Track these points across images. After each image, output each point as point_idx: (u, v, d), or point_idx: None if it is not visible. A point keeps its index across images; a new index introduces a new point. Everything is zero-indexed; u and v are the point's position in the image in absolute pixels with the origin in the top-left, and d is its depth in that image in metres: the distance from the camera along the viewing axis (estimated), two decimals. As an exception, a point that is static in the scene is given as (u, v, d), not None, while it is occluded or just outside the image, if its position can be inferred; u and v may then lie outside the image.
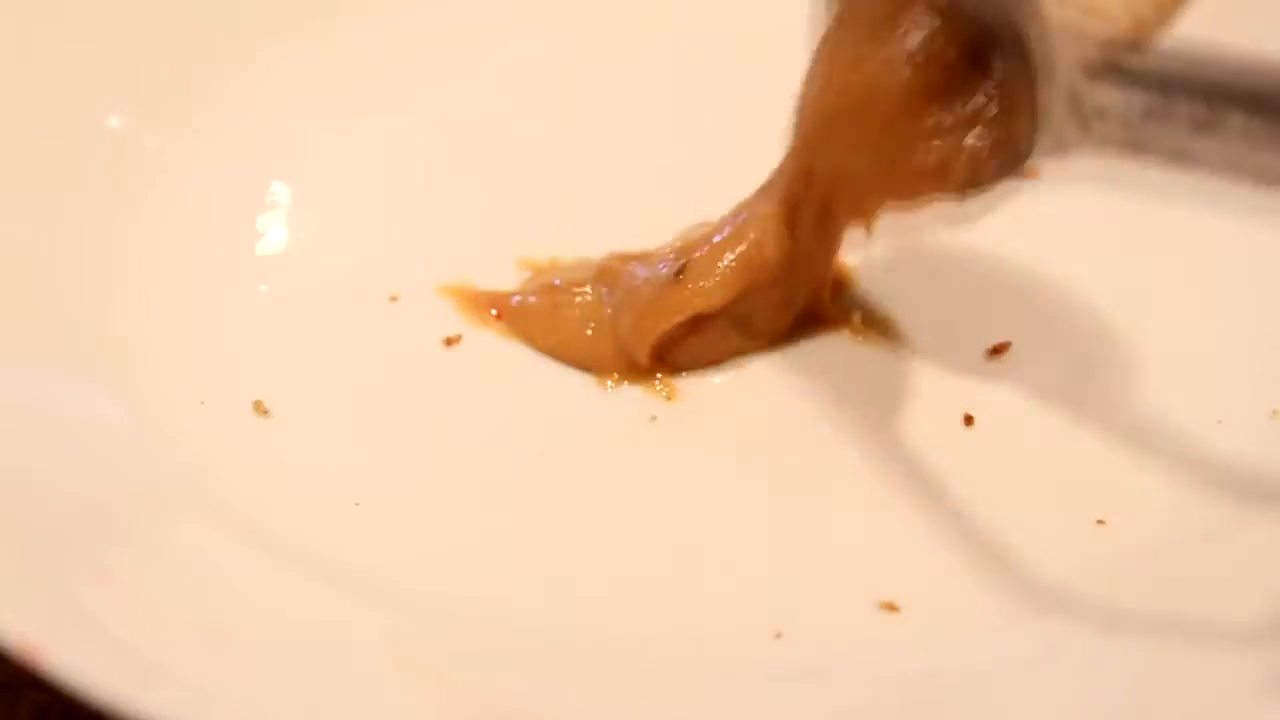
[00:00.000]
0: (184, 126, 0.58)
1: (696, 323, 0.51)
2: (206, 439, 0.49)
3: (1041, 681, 0.44)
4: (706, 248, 0.51)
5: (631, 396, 0.51)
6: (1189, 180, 0.58)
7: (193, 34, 0.60)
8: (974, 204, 0.58)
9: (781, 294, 0.51)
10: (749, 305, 0.51)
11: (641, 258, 0.52)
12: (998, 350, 0.53)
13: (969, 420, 0.51)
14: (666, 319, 0.50)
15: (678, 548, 0.48)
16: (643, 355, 0.51)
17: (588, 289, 0.52)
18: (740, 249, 0.50)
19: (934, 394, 0.52)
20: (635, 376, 0.51)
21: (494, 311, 0.53)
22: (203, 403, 0.50)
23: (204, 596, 0.43)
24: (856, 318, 0.52)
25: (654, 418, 0.51)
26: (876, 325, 0.52)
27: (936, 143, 0.45)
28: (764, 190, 0.51)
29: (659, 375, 0.51)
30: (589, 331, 0.52)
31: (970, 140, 0.44)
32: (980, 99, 0.44)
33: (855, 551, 0.47)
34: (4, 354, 0.49)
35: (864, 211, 0.50)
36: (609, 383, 0.51)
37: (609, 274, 0.52)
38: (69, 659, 0.39)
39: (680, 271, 0.50)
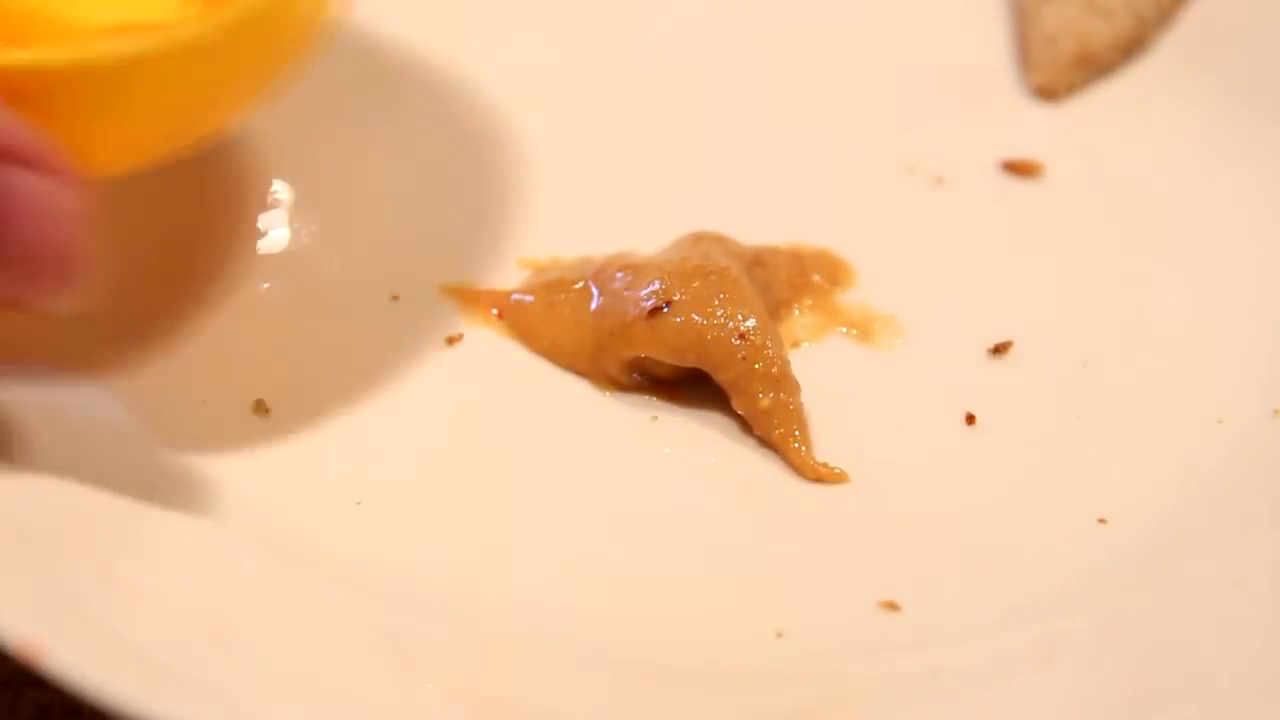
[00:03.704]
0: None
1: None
2: (207, 438, 0.49)
3: (1041, 681, 0.44)
4: (691, 304, 0.50)
5: (632, 396, 0.51)
6: (1190, 181, 0.59)
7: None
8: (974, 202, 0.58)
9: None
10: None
11: (634, 269, 0.52)
12: (999, 349, 0.53)
13: (971, 419, 0.51)
14: (632, 350, 0.50)
15: (679, 548, 0.47)
16: (616, 371, 0.51)
17: (580, 286, 0.52)
18: (716, 333, 0.50)
19: (935, 393, 0.52)
20: (614, 385, 0.51)
21: (495, 311, 0.53)
22: (204, 402, 0.50)
23: (204, 596, 0.43)
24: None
25: (655, 418, 0.51)
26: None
27: None
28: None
29: (633, 385, 0.51)
30: (577, 335, 0.52)
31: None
32: None
33: (855, 551, 0.47)
34: (5, 353, 0.49)
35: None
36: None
37: (604, 276, 0.52)
38: (70, 658, 0.39)
39: (658, 310, 0.50)
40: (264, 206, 0.56)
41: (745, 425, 0.50)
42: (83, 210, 0.37)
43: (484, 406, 0.51)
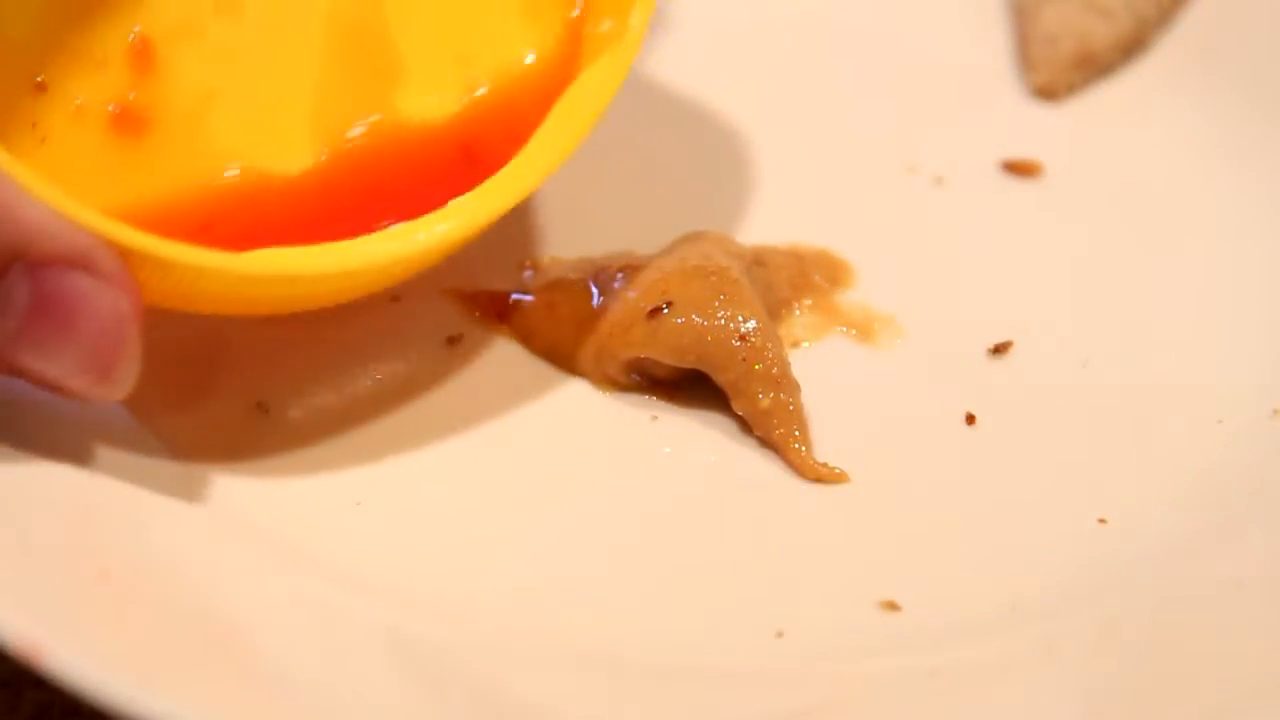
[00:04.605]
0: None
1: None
2: (207, 438, 0.49)
3: (1041, 681, 0.44)
4: (691, 305, 0.50)
5: (632, 396, 0.51)
6: (1190, 181, 0.59)
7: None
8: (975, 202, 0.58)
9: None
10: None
11: (634, 269, 0.52)
12: (999, 349, 0.53)
13: (970, 419, 0.51)
14: (632, 351, 0.50)
15: (678, 548, 0.48)
16: (616, 372, 0.51)
17: (580, 286, 0.52)
18: (715, 332, 0.50)
19: (935, 393, 0.52)
20: (614, 386, 0.51)
21: (495, 311, 0.53)
22: (204, 402, 0.50)
23: (204, 596, 0.43)
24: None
25: (655, 418, 0.51)
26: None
27: None
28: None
29: (632, 386, 0.51)
30: (577, 335, 0.52)
31: None
32: None
33: (855, 551, 0.47)
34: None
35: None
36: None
37: (604, 276, 0.52)
38: (69, 658, 0.39)
39: (658, 310, 0.50)
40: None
41: (745, 425, 0.50)
42: (136, 319, 0.42)
43: (484, 406, 0.51)
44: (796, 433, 0.49)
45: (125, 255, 0.42)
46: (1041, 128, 0.60)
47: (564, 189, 0.58)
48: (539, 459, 0.50)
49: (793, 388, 0.50)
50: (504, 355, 0.52)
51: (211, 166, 0.48)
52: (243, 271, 0.44)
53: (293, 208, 0.49)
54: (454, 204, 0.48)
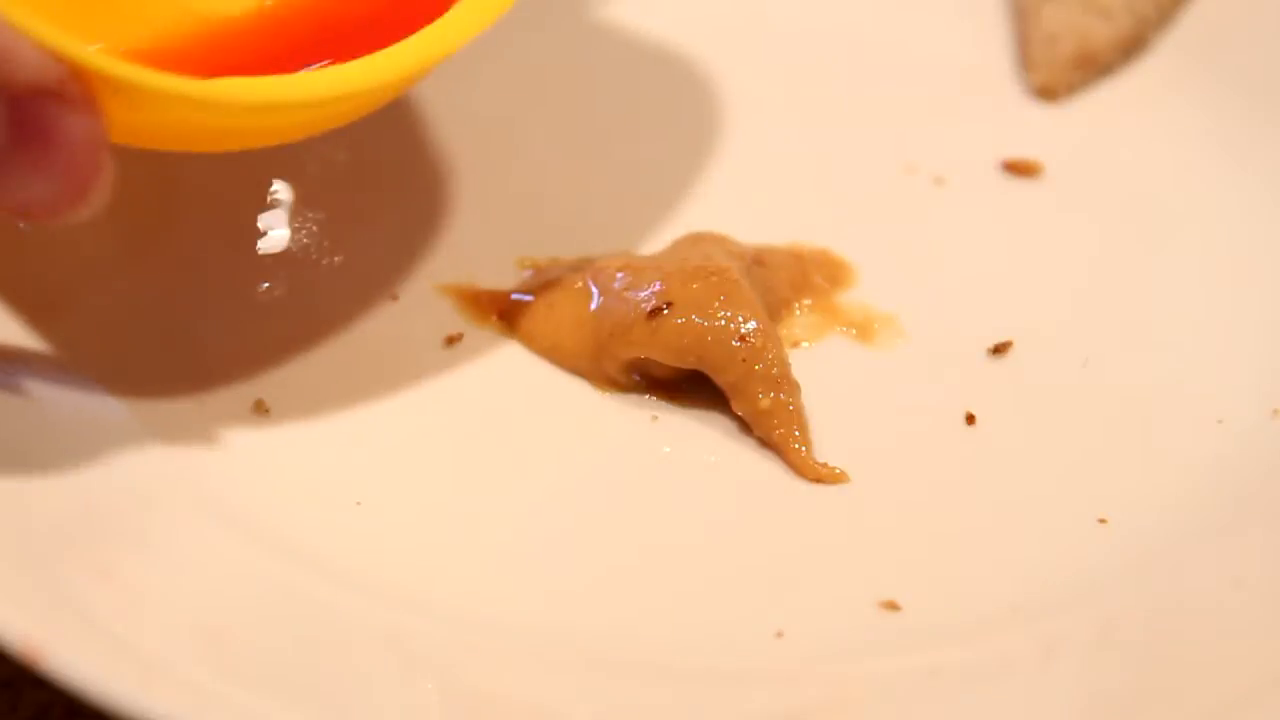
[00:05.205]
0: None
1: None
2: (206, 439, 0.49)
3: (1041, 681, 0.44)
4: (691, 305, 0.50)
5: (632, 396, 0.51)
6: (1190, 181, 0.59)
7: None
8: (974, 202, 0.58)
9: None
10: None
11: (634, 269, 0.52)
12: (999, 349, 0.53)
13: (970, 419, 0.51)
14: (632, 351, 0.50)
15: (678, 548, 0.48)
16: (615, 372, 0.51)
17: (580, 286, 0.52)
18: (716, 333, 0.50)
19: (935, 393, 0.52)
20: (613, 386, 0.51)
21: (495, 311, 0.53)
22: (204, 402, 0.50)
23: (204, 596, 0.43)
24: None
25: (655, 418, 0.51)
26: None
27: None
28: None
29: (632, 386, 0.51)
30: (577, 335, 0.52)
31: None
32: None
33: (855, 551, 0.47)
34: (4, 353, 0.49)
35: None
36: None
37: (604, 276, 0.52)
38: (70, 658, 0.39)
39: (658, 311, 0.50)
40: (264, 206, 0.56)
41: (745, 425, 0.50)
42: (107, 141, 0.43)
43: (484, 406, 0.51)
44: (796, 433, 0.49)
45: (96, 85, 0.42)
46: (1041, 128, 0.60)
47: (564, 189, 0.58)
48: (539, 459, 0.50)
49: (793, 388, 0.50)
50: (504, 355, 0.52)
51: (155, 14, 0.48)
52: (217, 99, 0.44)
53: (242, 49, 0.49)
54: (420, 34, 0.48)
